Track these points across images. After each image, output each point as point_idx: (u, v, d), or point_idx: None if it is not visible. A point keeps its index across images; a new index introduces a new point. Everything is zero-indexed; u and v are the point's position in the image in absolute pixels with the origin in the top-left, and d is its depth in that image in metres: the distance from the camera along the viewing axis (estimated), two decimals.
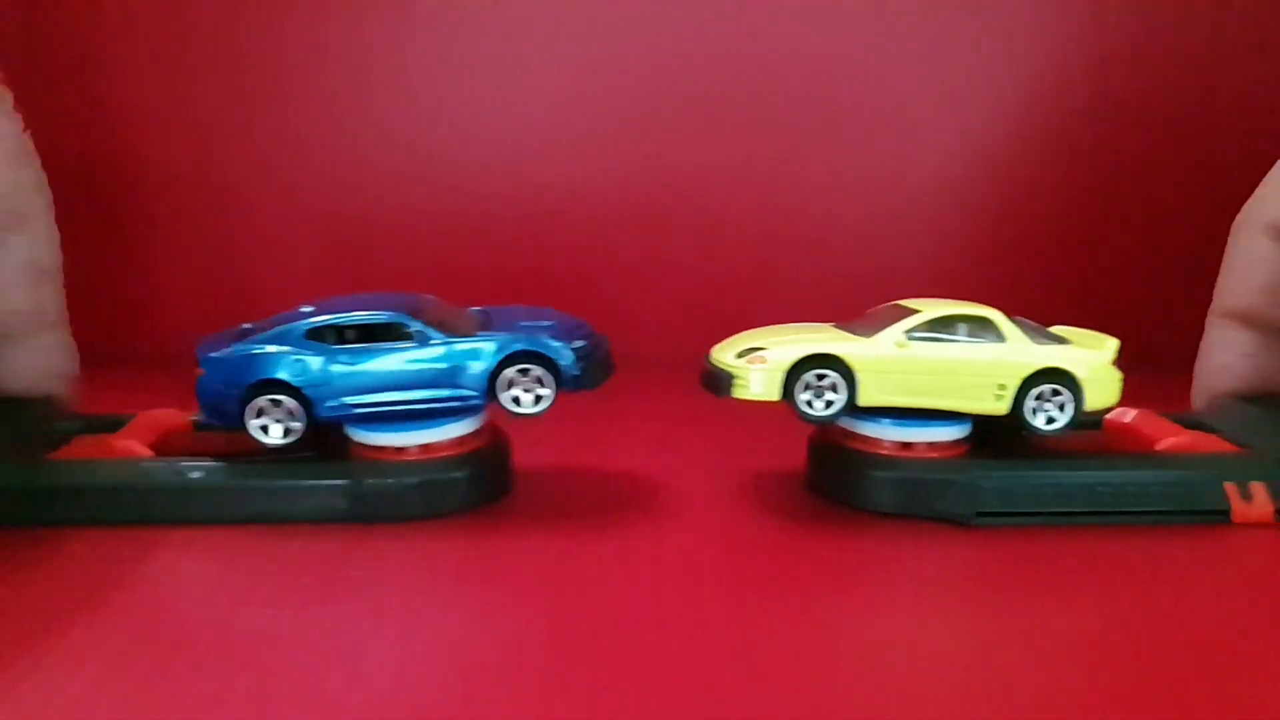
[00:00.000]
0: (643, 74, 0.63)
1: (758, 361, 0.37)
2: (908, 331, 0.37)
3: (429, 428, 0.38)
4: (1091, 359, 0.38)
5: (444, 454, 0.38)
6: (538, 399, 0.37)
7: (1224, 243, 0.45)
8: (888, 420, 0.38)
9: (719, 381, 0.37)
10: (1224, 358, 0.44)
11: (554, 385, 0.37)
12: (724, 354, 0.38)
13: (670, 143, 0.63)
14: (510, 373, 0.37)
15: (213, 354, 0.37)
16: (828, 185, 0.64)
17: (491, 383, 0.37)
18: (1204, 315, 0.45)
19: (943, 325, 0.38)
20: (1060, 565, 0.34)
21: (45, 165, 0.42)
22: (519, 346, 0.37)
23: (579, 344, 0.37)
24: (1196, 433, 0.41)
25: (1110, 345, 0.38)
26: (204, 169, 0.63)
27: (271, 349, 0.36)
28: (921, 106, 0.63)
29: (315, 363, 0.36)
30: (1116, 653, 0.28)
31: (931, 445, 0.38)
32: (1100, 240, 0.65)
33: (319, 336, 0.37)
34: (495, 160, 0.63)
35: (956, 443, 0.39)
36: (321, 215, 0.63)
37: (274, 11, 0.61)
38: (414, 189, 0.63)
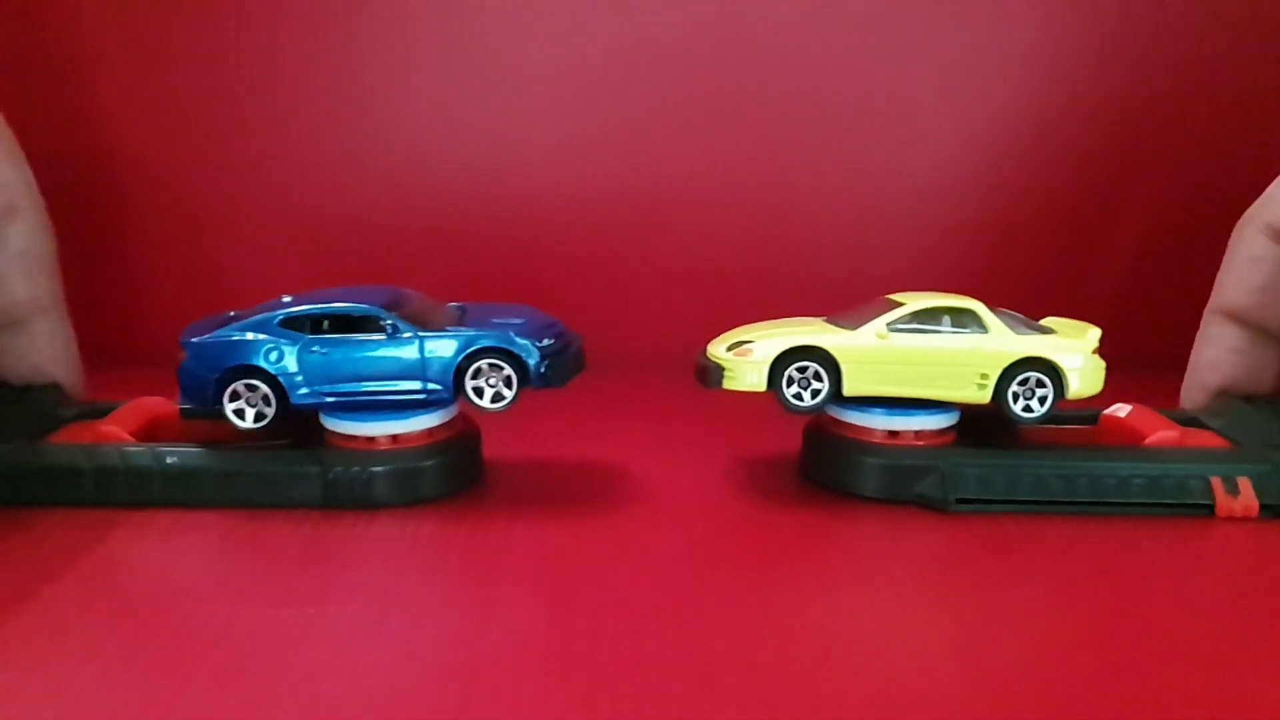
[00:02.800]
0: (633, 75, 0.63)
1: (745, 354, 0.38)
2: (890, 324, 0.38)
3: (400, 419, 0.39)
4: (1073, 347, 0.38)
5: (413, 444, 0.39)
6: (499, 396, 0.38)
7: (1222, 242, 0.45)
8: (877, 410, 0.39)
9: (709, 374, 0.39)
10: (1214, 353, 0.44)
11: (518, 382, 0.38)
12: (716, 348, 0.39)
13: (664, 143, 0.64)
14: (481, 367, 0.37)
15: (193, 339, 0.38)
16: (818, 184, 0.64)
17: (460, 377, 0.38)
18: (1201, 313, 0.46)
19: (926, 317, 0.38)
20: (1036, 552, 0.34)
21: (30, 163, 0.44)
22: (485, 343, 0.37)
23: (547, 342, 0.38)
24: (1189, 429, 0.41)
25: (1091, 334, 0.38)
26: (190, 165, 0.64)
27: (249, 336, 0.38)
28: (916, 105, 0.63)
29: (289, 350, 0.37)
30: (1083, 640, 0.28)
31: (917, 434, 0.39)
32: (1097, 238, 0.64)
33: (295, 325, 0.38)
34: (485, 160, 0.64)
35: (942, 431, 0.39)
36: (312, 211, 0.64)
37: (261, 9, 0.62)
38: (405, 186, 0.64)
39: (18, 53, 0.55)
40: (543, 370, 0.37)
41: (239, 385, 0.38)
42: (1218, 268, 0.45)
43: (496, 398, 0.38)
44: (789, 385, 0.38)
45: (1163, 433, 0.40)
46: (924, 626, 0.30)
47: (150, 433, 0.41)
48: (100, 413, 0.42)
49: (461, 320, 0.39)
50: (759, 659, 0.27)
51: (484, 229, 0.64)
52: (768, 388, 0.38)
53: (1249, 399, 0.43)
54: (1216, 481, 0.37)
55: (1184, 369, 0.46)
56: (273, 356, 0.37)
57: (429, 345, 0.37)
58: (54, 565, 0.33)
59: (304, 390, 0.38)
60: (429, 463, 0.39)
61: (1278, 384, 0.44)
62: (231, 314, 0.40)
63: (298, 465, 0.38)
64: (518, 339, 0.37)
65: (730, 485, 0.41)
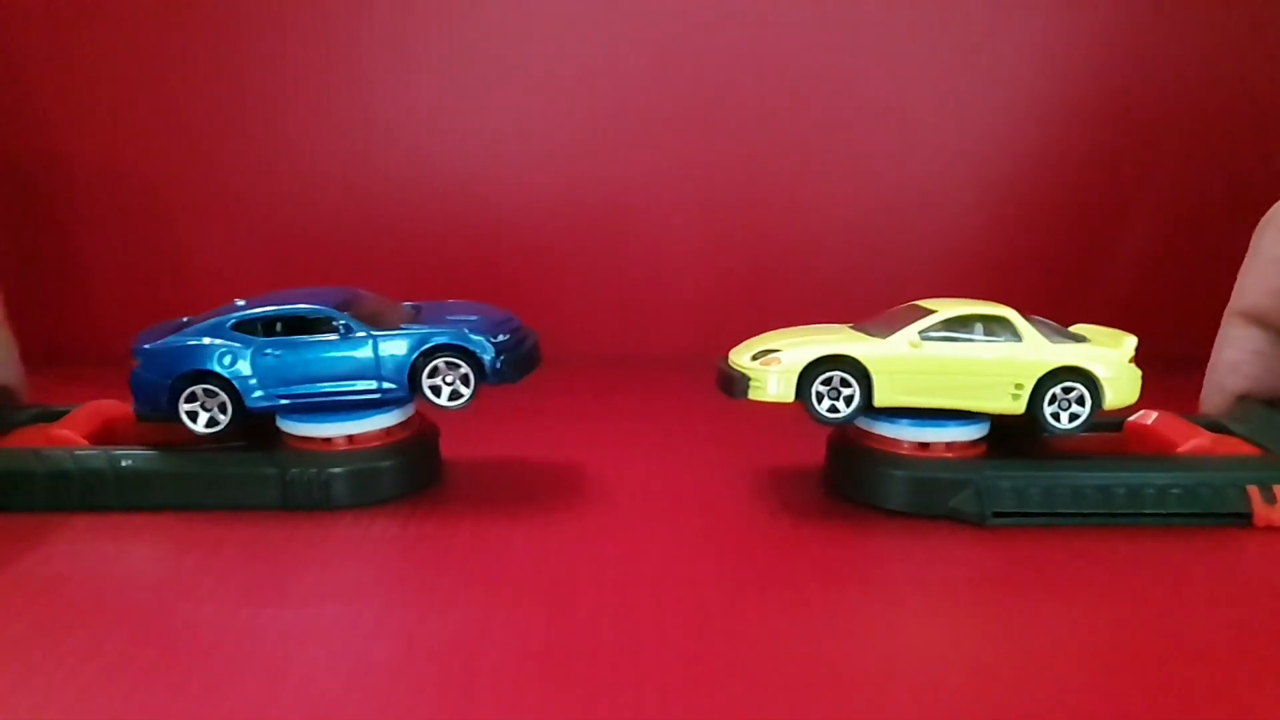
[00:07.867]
0: (618, 79, 0.63)
1: (773, 363, 0.37)
2: (922, 332, 0.37)
3: (356, 419, 0.39)
4: (1109, 356, 0.37)
5: (370, 444, 0.39)
6: (457, 394, 0.38)
7: (1240, 242, 0.45)
8: (905, 420, 0.38)
9: (734, 383, 0.37)
10: (1235, 355, 0.44)
11: (475, 379, 0.38)
12: (740, 356, 0.38)
13: (643, 146, 0.64)
14: (438, 365, 0.38)
15: (146, 346, 0.38)
16: (826, 188, 0.64)
17: (416, 376, 0.38)
18: (1219, 315, 0.45)
19: (959, 325, 0.38)
20: (1072, 567, 0.34)
21: None
22: (439, 340, 0.37)
23: (502, 338, 0.38)
24: (1218, 435, 0.41)
25: (1128, 343, 0.38)
26: (141, 164, 0.63)
27: (202, 341, 0.38)
28: (914, 105, 0.63)
29: (243, 354, 0.37)
30: (1126, 658, 0.28)
31: (949, 445, 0.38)
32: (1116, 240, 0.64)
33: (248, 329, 0.38)
34: (456, 161, 0.63)
35: (974, 443, 0.39)
36: (271, 210, 0.64)
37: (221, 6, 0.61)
38: (360, 184, 0.63)
39: None
40: (498, 366, 0.38)
41: (196, 389, 0.38)
42: (1231, 267, 0.45)
43: (454, 395, 0.38)
44: (819, 399, 0.37)
45: (1195, 440, 0.39)
46: (945, 640, 0.29)
47: (105, 436, 0.41)
48: (53, 416, 0.42)
49: (416, 319, 0.39)
50: (762, 672, 0.27)
51: (453, 229, 0.64)
52: (795, 398, 0.37)
53: (1271, 403, 0.43)
54: (1253, 490, 0.37)
55: (1198, 371, 0.45)
56: (226, 360, 0.37)
57: (383, 345, 0.37)
58: (51, 566, 0.33)
59: (259, 393, 0.37)
60: (387, 463, 0.39)
61: None
62: (184, 320, 0.40)
63: (255, 467, 0.38)
64: (472, 335, 0.38)
65: (696, 485, 0.42)
